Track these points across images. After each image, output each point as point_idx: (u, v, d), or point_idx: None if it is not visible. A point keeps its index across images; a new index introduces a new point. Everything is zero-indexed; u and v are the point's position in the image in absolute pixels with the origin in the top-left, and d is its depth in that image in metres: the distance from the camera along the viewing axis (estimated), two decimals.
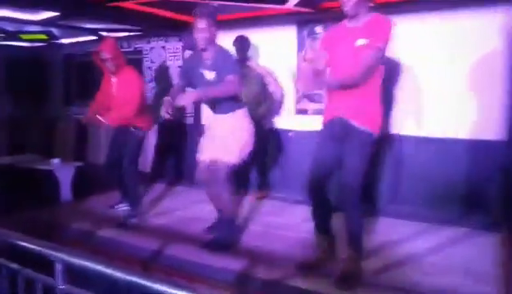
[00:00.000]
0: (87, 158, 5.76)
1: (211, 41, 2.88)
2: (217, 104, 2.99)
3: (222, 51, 2.94)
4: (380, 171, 3.88)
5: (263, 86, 4.17)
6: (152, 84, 5.33)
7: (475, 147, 3.52)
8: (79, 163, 5.00)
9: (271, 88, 4.22)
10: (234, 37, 4.16)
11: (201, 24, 2.82)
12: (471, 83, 3.52)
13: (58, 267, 1.57)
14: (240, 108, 3.02)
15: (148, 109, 3.79)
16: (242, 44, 4.13)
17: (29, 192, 4.40)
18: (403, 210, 3.67)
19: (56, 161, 4.84)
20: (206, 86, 2.93)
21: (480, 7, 3.40)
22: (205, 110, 3.21)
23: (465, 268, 2.69)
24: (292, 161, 4.40)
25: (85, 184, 4.70)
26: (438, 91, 3.65)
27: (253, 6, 3.70)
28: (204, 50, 2.90)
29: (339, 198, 2.50)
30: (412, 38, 3.64)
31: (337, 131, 2.52)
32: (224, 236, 3.03)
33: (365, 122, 2.45)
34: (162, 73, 5.24)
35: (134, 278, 1.36)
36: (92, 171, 4.92)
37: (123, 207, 3.91)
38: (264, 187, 4.49)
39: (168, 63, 5.20)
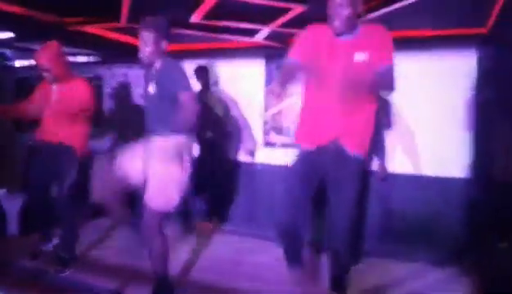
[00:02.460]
0: None
1: (155, 55, 2.55)
2: (153, 122, 2.58)
3: (169, 64, 2.55)
4: None
5: (226, 114, 4.13)
6: (110, 110, 5.14)
7: (440, 183, 3.61)
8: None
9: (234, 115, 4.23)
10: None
11: (146, 34, 2.52)
12: (439, 121, 3.65)
13: None
14: (177, 132, 2.46)
15: (88, 127, 3.29)
16: (202, 73, 4.17)
17: None
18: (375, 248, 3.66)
19: (1, 191, 4.50)
20: (150, 102, 2.60)
21: (448, 51, 3.57)
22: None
23: None
24: (259, 194, 4.32)
25: (33, 217, 4.36)
26: (411, 131, 3.75)
27: (221, 37, 3.67)
28: (149, 64, 2.59)
29: (332, 238, 2.33)
30: None
31: (320, 157, 2.28)
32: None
33: (358, 146, 2.25)
34: (121, 98, 5.06)
35: None
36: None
37: (48, 245, 3.40)
38: (217, 219, 4.38)
39: (130, 89, 5.04)
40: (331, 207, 2.31)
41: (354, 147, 2.24)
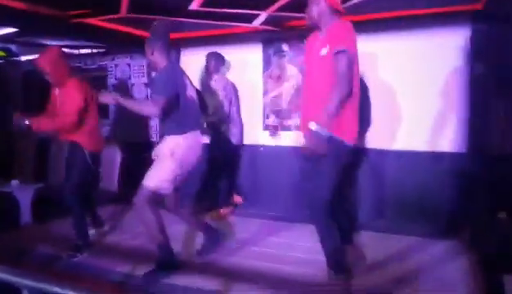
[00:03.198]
0: (48, 178, 5.54)
1: (158, 63, 2.86)
2: (163, 125, 2.98)
3: (160, 72, 2.85)
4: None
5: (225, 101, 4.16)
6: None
7: (436, 158, 3.69)
8: (39, 185, 4.80)
9: (225, 104, 4.16)
10: (199, 55, 4.21)
11: (147, 49, 2.85)
12: (434, 99, 3.71)
13: None
14: (183, 132, 2.85)
15: (96, 125, 3.48)
16: (211, 58, 4.16)
17: None
18: (370, 222, 3.77)
19: (14, 182, 4.65)
20: None
21: (441, 28, 3.62)
22: None
23: (434, 275, 2.79)
24: (261, 175, 4.43)
25: (46, 207, 4.52)
26: (404, 107, 3.82)
27: (219, 24, 3.74)
28: (155, 70, 2.94)
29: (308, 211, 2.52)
30: (379, 56, 3.80)
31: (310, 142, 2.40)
32: (160, 262, 2.87)
33: (337, 132, 2.36)
34: (125, 88, 5.18)
35: None
36: (53, 193, 4.74)
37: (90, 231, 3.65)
38: (231, 202, 4.45)
39: (133, 80, 5.15)
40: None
41: (338, 132, 2.37)
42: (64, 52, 3.46)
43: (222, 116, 4.12)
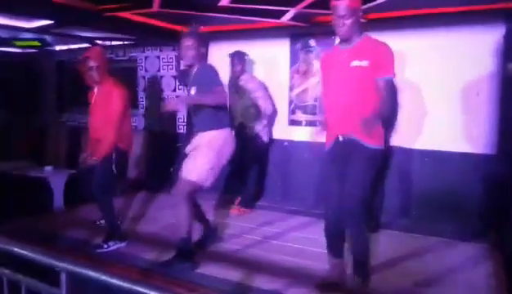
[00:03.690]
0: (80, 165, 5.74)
1: (196, 58, 2.92)
2: (198, 122, 3.01)
3: (204, 67, 2.96)
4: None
5: (255, 100, 4.13)
6: (144, 93, 5.38)
7: (466, 160, 3.66)
8: (72, 171, 4.99)
9: (261, 102, 4.13)
10: (227, 49, 4.21)
11: (188, 41, 2.89)
12: (465, 99, 3.67)
13: (63, 277, 1.61)
14: (219, 128, 2.96)
15: (129, 125, 3.57)
16: (239, 58, 4.12)
17: (22, 199, 4.38)
18: (394, 221, 3.78)
19: (49, 168, 4.85)
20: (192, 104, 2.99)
21: (473, 27, 3.57)
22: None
23: (458, 278, 2.79)
24: (286, 170, 4.48)
25: (78, 192, 4.70)
26: (432, 106, 3.78)
27: (248, 19, 3.77)
28: (189, 66, 2.97)
29: (342, 215, 2.52)
30: (409, 54, 3.75)
31: (342, 150, 2.51)
32: (180, 254, 2.92)
33: (370, 140, 2.44)
34: (153, 85, 5.29)
35: (141, 289, 1.40)
36: (85, 179, 4.91)
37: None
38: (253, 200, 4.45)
39: (162, 72, 5.26)
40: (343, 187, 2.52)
41: (363, 137, 2.42)
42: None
43: (252, 117, 4.13)
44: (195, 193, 2.94)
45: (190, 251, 2.95)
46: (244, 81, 4.11)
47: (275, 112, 4.41)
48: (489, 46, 3.54)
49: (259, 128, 4.17)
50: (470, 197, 3.62)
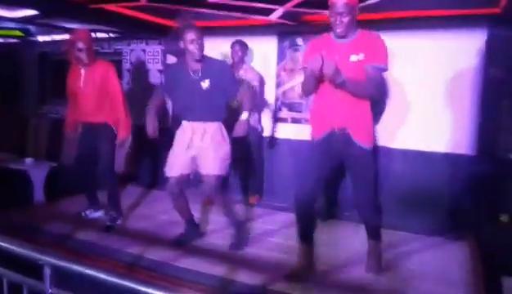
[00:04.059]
0: (61, 158, 5.64)
1: (195, 51, 2.92)
2: (204, 111, 3.01)
3: (213, 60, 3.07)
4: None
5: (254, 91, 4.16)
6: (128, 86, 5.32)
7: (448, 160, 3.75)
8: (53, 163, 4.91)
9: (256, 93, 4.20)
10: (214, 44, 4.18)
11: (195, 35, 2.90)
12: (446, 100, 3.75)
13: (47, 271, 1.59)
14: (223, 118, 3.11)
15: (128, 110, 3.61)
16: (241, 48, 4.14)
17: (1, 192, 4.28)
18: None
19: (29, 160, 4.77)
20: (201, 96, 2.97)
21: (457, 31, 3.64)
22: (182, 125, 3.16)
23: (438, 274, 2.87)
24: (270, 166, 4.52)
25: (59, 185, 4.63)
26: (415, 107, 3.84)
27: (236, 15, 3.77)
28: (198, 60, 2.96)
29: (361, 215, 2.78)
30: (392, 55, 3.79)
31: (336, 144, 2.57)
32: (239, 238, 3.23)
33: (365, 138, 2.55)
34: (140, 74, 5.23)
35: (128, 283, 1.40)
36: (66, 172, 4.84)
37: (90, 215, 3.82)
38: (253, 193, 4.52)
39: (148, 65, 5.21)
40: (352, 186, 2.72)
41: (360, 138, 2.54)
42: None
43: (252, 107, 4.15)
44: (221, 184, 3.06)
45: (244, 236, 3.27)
46: (243, 70, 4.14)
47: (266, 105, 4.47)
48: (472, 50, 3.63)
49: (255, 119, 4.22)
50: (451, 195, 3.71)
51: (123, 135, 3.47)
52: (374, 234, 2.85)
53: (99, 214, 3.83)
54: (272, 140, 4.53)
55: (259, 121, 4.38)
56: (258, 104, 4.23)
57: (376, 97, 2.62)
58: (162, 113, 5.03)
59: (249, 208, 4.27)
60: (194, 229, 3.37)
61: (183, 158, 3.05)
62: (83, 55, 3.36)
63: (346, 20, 2.40)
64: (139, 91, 5.19)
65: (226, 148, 3.06)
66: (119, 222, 3.63)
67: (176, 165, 3.06)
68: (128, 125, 3.49)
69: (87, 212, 3.83)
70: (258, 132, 4.33)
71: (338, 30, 2.44)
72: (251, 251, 3.19)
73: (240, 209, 3.70)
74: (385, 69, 2.53)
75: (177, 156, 3.07)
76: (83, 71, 3.46)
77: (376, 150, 2.69)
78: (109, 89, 3.41)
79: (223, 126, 3.11)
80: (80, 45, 3.33)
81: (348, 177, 2.84)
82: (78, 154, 3.64)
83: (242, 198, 4.43)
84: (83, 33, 3.43)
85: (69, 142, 3.76)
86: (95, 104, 3.44)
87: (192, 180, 3.22)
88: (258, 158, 4.44)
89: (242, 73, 4.11)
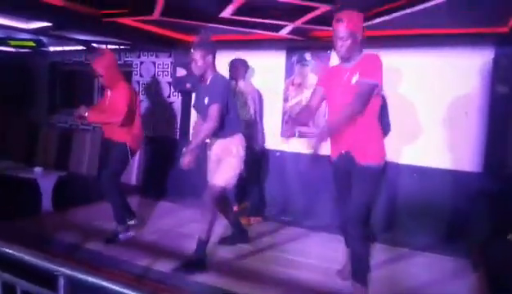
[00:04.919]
0: (70, 167, 5.70)
1: (206, 68, 3.03)
2: (221, 128, 3.07)
3: (215, 78, 3.08)
4: None
5: (250, 106, 4.21)
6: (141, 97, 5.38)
7: (455, 177, 3.76)
8: (62, 173, 4.96)
9: (257, 108, 4.26)
10: (224, 58, 4.24)
11: (197, 53, 2.99)
12: (453, 117, 3.78)
13: (61, 282, 1.61)
14: (238, 133, 3.16)
15: (140, 127, 3.74)
16: (237, 66, 4.19)
17: (9, 201, 4.31)
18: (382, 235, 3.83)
19: (38, 169, 4.80)
20: (204, 110, 3.05)
21: (464, 49, 3.69)
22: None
23: (443, 293, 2.87)
24: (278, 180, 4.54)
25: (68, 195, 4.66)
26: (422, 123, 3.88)
27: (247, 31, 3.83)
28: (201, 76, 3.07)
29: (347, 233, 2.71)
30: (401, 72, 3.87)
31: (344, 165, 2.65)
32: (196, 257, 3.07)
33: (368, 158, 2.55)
34: (152, 87, 5.30)
35: None
36: (75, 181, 4.89)
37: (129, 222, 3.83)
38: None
39: (158, 78, 5.28)
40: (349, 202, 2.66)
41: (362, 157, 2.56)
42: (116, 58, 3.80)
43: (250, 121, 4.19)
44: (222, 196, 3.14)
45: (202, 256, 3.06)
46: (242, 87, 4.18)
47: (260, 123, 4.42)
48: (479, 68, 3.67)
49: (252, 137, 4.22)
50: (456, 213, 3.71)
51: (95, 117, 3.57)
52: (357, 272, 2.62)
53: (132, 222, 3.84)
54: (279, 154, 4.55)
55: (260, 136, 4.36)
56: (254, 120, 4.24)
57: (361, 111, 2.52)
58: None
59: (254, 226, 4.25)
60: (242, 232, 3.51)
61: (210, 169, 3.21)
62: (103, 81, 3.57)
63: (347, 44, 2.49)
64: (150, 103, 5.26)
65: (233, 161, 3.08)
66: (121, 236, 3.60)
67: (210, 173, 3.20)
68: (104, 120, 3.60)
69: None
70: (258, 147, 4.32)
71: (339, 54, 2.56)
72: (259, 265, 3.21)
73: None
74: (374, 83, 2.46)
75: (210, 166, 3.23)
76: (108, 93, 3.66)
77: (383, 172, 2.65)
78: (117, 108, 3.52)
79: (239, 141, 3.14)
80: (98, 71, 3.51)
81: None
82: (99, 167, 3.93)
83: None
84: (101, 58, 3.55)
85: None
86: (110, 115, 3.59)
87: None
88: (259, 176, 4.46)
89: (241, 89, 4.16)
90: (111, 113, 3.52)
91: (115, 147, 3.64)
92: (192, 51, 3.01)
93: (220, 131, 3.06)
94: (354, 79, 2.50)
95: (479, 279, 3.06)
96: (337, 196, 2.82)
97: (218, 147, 3.15)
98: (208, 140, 3.18)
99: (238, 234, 3.55)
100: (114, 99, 3.58)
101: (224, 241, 3.53)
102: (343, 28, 2.46)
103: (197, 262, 3.01)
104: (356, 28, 2.49)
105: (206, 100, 3.03)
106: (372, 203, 2.64)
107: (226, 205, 3.39)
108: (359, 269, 2.61)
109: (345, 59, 2.56)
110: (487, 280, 2.98)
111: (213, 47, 3.06)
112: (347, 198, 2.64)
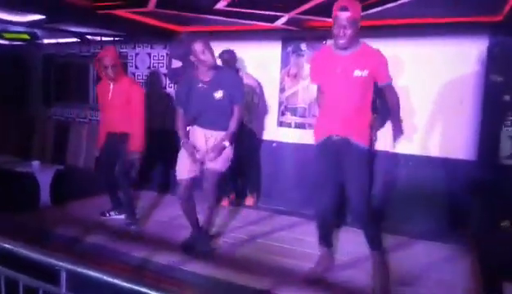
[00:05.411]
0: (67, 160, 5.69)
1: (206, 61, 3.02)
2: (216, 120, 3.14)
3: (225, 70, 3.25)
4: None
5: (252, 96, 4.25)
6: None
7: (449, 166, 3.80)
8: (59, 166, 4.96)
9: (257, 99, 4.32)
10: (219, 48, 4.23)
11: (204, 45, 3.00)
12: (447, 106, 3.80)
13: (63, 276, 1.64)
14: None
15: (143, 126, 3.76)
16: (229, 57, 4.21)
17: (8, 195, 4.33)
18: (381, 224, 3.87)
19: (36, 163, 4.81)
20: (213, 105, 3.08)
21: (459, 37, 3.70)
22: (195, 129, 3.25)
23: (438, 280, 2.91)
24: (274, 170, 4.57)
25: (66, 188, 4.68)
26: (417, 112, 3.89)
27: (243, 22, 3.82)
28: (209, 70, 3.06)
29: (357, 220, 2.85)
30: (396, 61, 3.85)
31: (334, 147, 2.70)
32: (201, 243, 3.23)
33: (361, 139, 2.66)
34: (153, 79, 5.28)
35: (141, 288, 1.45)
36: (72, 174, 4.90)
37: (115, 216, 3.97)
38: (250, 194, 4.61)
39: (153, 69, 5.26)
40: (346, 187, 2.74)
41: (357, 138, 2.66)
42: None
43: (247, 113, 4.21)
44: (219, 181, 3.25)
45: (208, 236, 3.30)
46: (244, 78, 4.12)
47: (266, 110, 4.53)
48: (473, 57, 3.68)
49: (253, 125, 4.28)
50: (451, 201, 3.76)
51: (135, 148, 3.67)
52: (373, 242, 2.83)
53: (122, 216, 3.92)
54: (275, 144, 4.59)
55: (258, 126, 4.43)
56: (260, 109, 4.29)
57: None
58: None
59: (252, 210, 4.33)
60: (200, 233, 3.41)
61: (191, 161, 3.14)
62: (110, 72, 3.62)
63: (349, 32, 2.50)
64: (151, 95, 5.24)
65: (228, 150, 3.17)
66: (133, 228, 3.73)
67: (186, 169, 3.15)
68: (141, 140, 3.69)
69: (112, 213, 4.01)
70: (256, 138, 4.39)
71: (340, 42, 2.55)
72: (254, 254, 3.25)
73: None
74: (390, 81, 2.71)
75: (187, 160, 3.15)
76: (111, 86, 3.72)
77: (372, 156, 2.80)
78: (131, 105, 3.68)
79: (231, 132, 3.17)
80: (106, 62, 3.59)
81: (345, 181, 2.77)
82: (100, 159, 3.94)
83: (238, 200, 4.54)
84: (109, 50, 3.67)
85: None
86: (119, 115, 3.71)
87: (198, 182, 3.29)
88: (255, 161, 4.55)
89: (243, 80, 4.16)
90: (135, 116, 3.64)
91: (122, 139, 3.69)
92: (202, 43, 3.00)
93: (222, 123, 3.13)
94: (358, 72, 2.57)
95: (473, 265, 3.12)
96: (322, 178, 2.81)
97: (215, 138, 3.16)
98: (189, 128, 3.26)
99: (197, 234, 3.36)
100: (126, 94, 3.66)
101: (185, 246, 3.31)
102: (345, 16, 2.48)
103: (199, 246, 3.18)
104: (357, 16, 2.52)
105: (220, 94, 3.06)
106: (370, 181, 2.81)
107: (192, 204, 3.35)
108: (374, 238, 2.81)
109: (343, 47, 2.58)
110: (481, 266, 3.04)
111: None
112: (331, 180, 2.74)
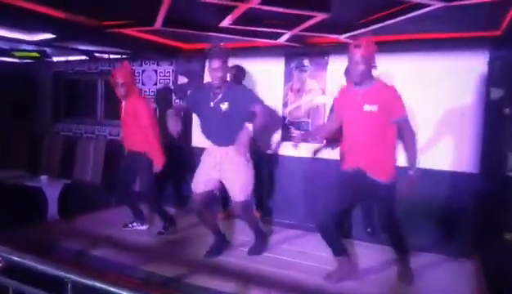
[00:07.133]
0: (74, 175, 5.76)
1: (225, 78, 3.11)
2: (225, 136, 3.15)
3: (234, 86, 3.27)
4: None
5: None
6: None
7: (452, 178, 3.82)
8: (67, 181, 5.04)
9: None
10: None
11: (215, 64, 3.04)
12: (449, 119, 3.84)
13: (70, 287, 1.68)
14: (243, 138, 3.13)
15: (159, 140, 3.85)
16: (238, 72, 4.28)
17: (17, 209, 4.39)
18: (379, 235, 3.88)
19: (44, 178, 4.89)
20: (222, 120, 3.12)
21: (460, 52, 3.76)
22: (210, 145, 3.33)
23: (442, 293, 2.93)
24: (277, 183, 4.61)
25: (73, 202, 4.74)
26: (419, 126, 3.88)
27: (247, 39, 3.90)
28: (218, 87, 3.10)
29: (388, 236, 3.05)
30: (398, 76, 3.90)
31: (352, 178, 2.85)
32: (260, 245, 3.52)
33: (379, 173, 2.78)
34: (164, 95, 5.36)
35: None
36: (80, 189, 4.96)
37: (137, 227, 4.08)
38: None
39: (159, 86, 5.35)
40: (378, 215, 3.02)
41: (374, 172, 2.79)
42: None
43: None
44: (249, 205, 3.35)
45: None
46: None
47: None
48: (474, 71, 3.73)
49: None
50: (455, 213, 3.75)
51: (159, 163, 3.76)
52: (401, 250, 3.02)
53: (144, 227, 4.05)
54: (279, 158, 4.62)
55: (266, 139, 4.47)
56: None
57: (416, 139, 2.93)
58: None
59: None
60: (222, 241, 3.50)
61: (208, 176, 3.23)
62: (121, 89, 3.69)
63: (361, 69, 2.67)
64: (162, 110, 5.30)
65: (249, 172, 3.20)
66: (170, 230, 3.96)
67: (201, 182, 3.24)
68: (161, 154, 3.77)
69: (134, 224, 4.10)
70: (260, 151, 4.42)
71: (353, 77, 2.74)
72: (259, 267, 3.26)
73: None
74: (406, 116, 2.78)
75: (203, 174, 3.25)
76: (123, 103, 3.81)
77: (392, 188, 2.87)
78: (140, 122, 3.72)
79: (247, 149, 3.19)
80: (117, 79, 3.66)
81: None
82: (118, 174, 4.02)
83: None
84: (121, 67, 3.75)
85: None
86: (132, 134, 3.80)
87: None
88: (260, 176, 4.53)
89: None
90: (152, 134, 3.70)
91: (145, 159, 3.77)
92: (212, 60, 3.05)
93: (230, 138, 3.10)
94: (367, 107, 2.70)
95: (478, 278, 3.11)
96: (336, 201, 2.92)
97: (230, 155, 3.15)
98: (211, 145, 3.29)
99: (220, 243, 3.50)
100: (133, 110, 3.71)
101: (209, 254, 3.43)
102: (358, 54, 2.64)
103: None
104: (371, 55, 2.67)
105: (226, 106, 3.09)
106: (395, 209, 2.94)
107: (209, 215, 3.47)
108: (405, 251, 3.04)
109: (357, 83, 2.74)
110: (485, 279, 3.03)
111: (228, 55, 3.15)
112: (335, 203, 2.88)
